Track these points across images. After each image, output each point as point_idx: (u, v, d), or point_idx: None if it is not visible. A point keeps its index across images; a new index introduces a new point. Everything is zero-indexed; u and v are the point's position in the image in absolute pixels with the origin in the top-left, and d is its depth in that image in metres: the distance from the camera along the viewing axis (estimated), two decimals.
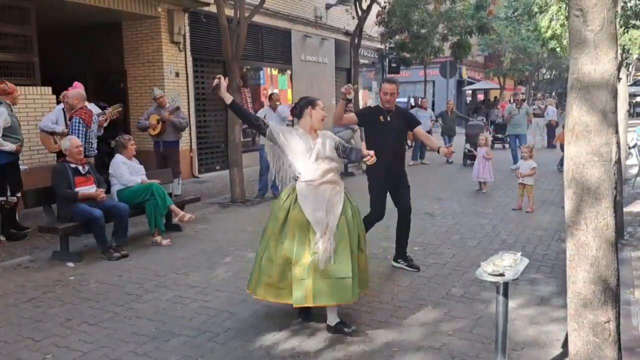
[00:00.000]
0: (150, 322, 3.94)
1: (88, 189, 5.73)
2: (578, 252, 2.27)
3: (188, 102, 11.31)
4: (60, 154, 6.55)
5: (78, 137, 6.17)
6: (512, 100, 14.75)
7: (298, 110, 3.88)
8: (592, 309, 2.26)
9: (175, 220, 6.49)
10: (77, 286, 4.77)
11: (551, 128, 16.24)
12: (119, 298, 4.45)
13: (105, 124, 7.25)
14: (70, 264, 5.38)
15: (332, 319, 3.72)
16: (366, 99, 19.65)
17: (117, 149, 6.37)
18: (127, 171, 6.20)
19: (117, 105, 7.55)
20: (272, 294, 3.73)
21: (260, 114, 9.24)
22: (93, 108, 7.64)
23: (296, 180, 3.77)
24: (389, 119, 4.90)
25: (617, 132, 2.27)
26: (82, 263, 5.45)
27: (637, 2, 8.17)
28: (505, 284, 2.91)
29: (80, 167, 5.78)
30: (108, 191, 6.13)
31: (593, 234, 2.22)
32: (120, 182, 6.16)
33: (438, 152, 5.08)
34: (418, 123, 5.22)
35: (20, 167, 6.66)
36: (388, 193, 5.00)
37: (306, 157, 3.72)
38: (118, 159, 6.25)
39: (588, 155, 2.23)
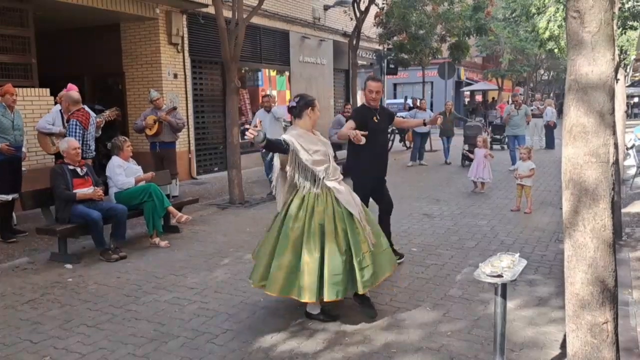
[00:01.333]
0: (148, 324, 3.94)
1: (86, 190, 5.73)
2: (576, 253, 2.28)
3: (186, 104, 11.30)
4: (58, 156, 6.54)
5: (75, 139, 6.16)
6: (510, 101, 14.77)
7: (297, 110, 3.94)
8: (590, 310, 2.26)
9: (173, 221, 6.48)
10: (75, 288, 4.76)
11: (549, 129, 16.25)
12: (117, 300, 4.44)
13: (101, 125, 7.25)
14: (69, 266, 5.37)
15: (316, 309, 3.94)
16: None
17: (113, 150, 6.36)
18: (123, 174, 6.18)
19: (114, 108, 7.56)
20: (314, 295, 3.69)
21: (257, 116, 9.25)
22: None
23: (319, 180, 3.86)
24: (378, 117, 4.97)
25: (614, 133, 2.28)
26: (81, 265, 5.44)
27: (635, 3, 8.18)
28: (504, 285, 2.92)
29: (78, 169, 5.78)
30: (106, 193, 6.13)
31: (591, 235, 2.23)
32: (116, 186, 6.15)
33: (425, 124, 5.23)
34: (394, 114, 5.37)
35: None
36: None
37: (326, 159, 3.90)
38: (113, 161, 6.24)
39: (586, 156, 2.24)
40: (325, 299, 3.73)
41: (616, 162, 2.33)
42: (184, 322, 3.97)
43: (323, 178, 3.85)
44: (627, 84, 8.86)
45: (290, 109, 3.98)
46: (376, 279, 3.86)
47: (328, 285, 3.68)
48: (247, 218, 7.63)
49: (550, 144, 16.19)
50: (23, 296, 4.57)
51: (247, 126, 3.85)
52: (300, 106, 3.92)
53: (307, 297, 3.69)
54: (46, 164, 7.76)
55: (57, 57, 10.88)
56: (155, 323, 3.95)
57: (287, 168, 3.92)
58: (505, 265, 2.97)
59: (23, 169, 6.80)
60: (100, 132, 7.27)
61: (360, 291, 3.81)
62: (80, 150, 5.88)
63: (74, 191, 5.61)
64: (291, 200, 3.92)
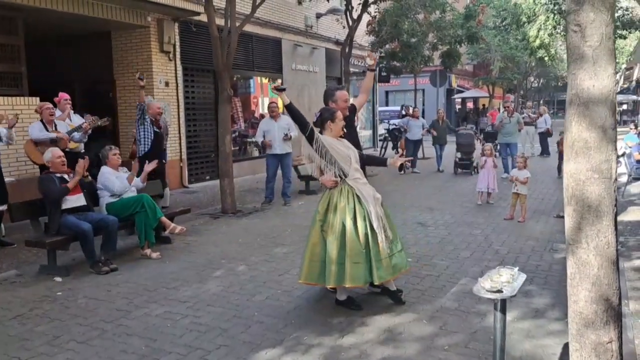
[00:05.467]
0: (140, 340, 3.85)
1: (76, 198, 5.64)
2: (579, 271, 2.24)
3: (178, 112, 11.22)
4: (43, 167, 6.42)
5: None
6: (502, 109, 14.80)
7: (320, 123, 4.27)
8: (594, 329, 2.22)
9: (166, 232, 6.38)
10: (65, 302, 4.66)
11: (544, 136, 16.27)
12: (108, 314, 4.35)
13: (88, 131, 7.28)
14: (58, 279, 5.26)
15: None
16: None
17: (102, 160, 6.28)
18: (117, 181, 6.09)
19: (104, 119, 7.53)
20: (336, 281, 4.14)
21: (262, 126, 9.17)
22: (78, 119, 7.56)
23: (341, 179, 4.21)
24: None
25: (615, 148, 2.25)
26: (70, 277, 5.33)
27: (625, 12, 8.26)
28: (503, 301, 2.87)
29: (65, 176, 5.68)
30: (96, 204, 6.04)
31: (594, 252, 2.19)
32: (114, 192, 6.03)
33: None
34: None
35: (6, 179, 6.52)
36: None
37: (348, 161, 4.21)
38: (105, 170, 6.14)
39: (588, 172, 2.20)
40: (347, 285, 4.13)
41: None
42: (176, 337, 3.88)
43: (346, 177, 4.20)
44: (616, 92, 8.92)
45: (314, 123, 4.27)
46: (392, 272, 4.25)
47: (350, 272, 4.06)
48: (240, 228, 7.54)
49: (545, 150, 16.24)
50: (11, 311, 4.46)
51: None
52: (322, 120, 4.25)
53: (332, 283, 4.14)
54: (35, 174, 7.64)
55: (48, 65, 10.77)
56: (147, 339, 3.87)
57: (315, 166, 4.34)
58: (504, 280, 2.93)
59: (12, 179, 6.68)
60: (86, 138, 7.19)
61: (376, 282, 4.23)
62: (64, 159, 5.78)
63: (65, 198, 5.52)
64: (320, 200, 4.32)
